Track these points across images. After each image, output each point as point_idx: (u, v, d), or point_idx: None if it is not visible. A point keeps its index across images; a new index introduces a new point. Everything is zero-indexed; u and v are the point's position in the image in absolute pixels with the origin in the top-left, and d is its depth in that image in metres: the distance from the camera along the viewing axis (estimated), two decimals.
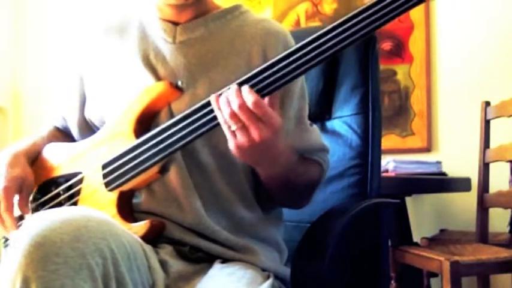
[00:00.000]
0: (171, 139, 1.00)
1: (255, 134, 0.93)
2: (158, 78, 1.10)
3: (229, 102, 0.94)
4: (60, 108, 1.29)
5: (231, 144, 0.95)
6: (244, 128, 0.93)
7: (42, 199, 1.14)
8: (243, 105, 0.92)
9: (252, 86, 0.94)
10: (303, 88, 1.17)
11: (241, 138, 0.93)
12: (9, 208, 1.09)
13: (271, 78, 0.94)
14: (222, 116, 0.94)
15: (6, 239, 1.20)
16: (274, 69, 0.94)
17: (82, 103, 1.22)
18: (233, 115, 0.93)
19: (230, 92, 0.94)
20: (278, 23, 1.21)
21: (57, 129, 1.29)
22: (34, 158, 1.19)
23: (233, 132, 0.94)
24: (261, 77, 0.95)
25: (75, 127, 1.24)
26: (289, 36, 1.15)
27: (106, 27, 1.22)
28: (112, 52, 1.18)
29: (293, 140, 1.11)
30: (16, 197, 1.11)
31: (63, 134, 1.27)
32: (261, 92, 0.94)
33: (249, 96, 0.92)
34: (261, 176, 1.08)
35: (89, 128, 1.21)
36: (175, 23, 1.14)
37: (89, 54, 1.21)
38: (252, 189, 1.13)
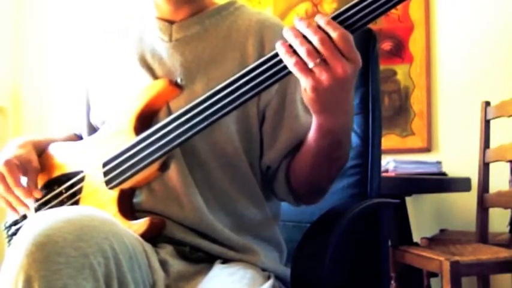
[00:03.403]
0: (171, 135, 1.00)
1: (338, 68, 0.84)
2: (155, 77, 1.10)
3: (305, 37, 0.85)
4: (71, 117, 1.31)
5: (307, 85, 0.86)
6: (324, 63, 0.84)
7: (45, 198, 1.14)
8: (324, 39, 0.83)
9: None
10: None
11: (321, 74, 0.84)
12: (17, 183, 1.08)
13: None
14: (296, 57, 0.85)
15: (10, 226, 1.19)
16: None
17: (88, 111, 1.23)
18: (311, 51, 0.84)
19: (304, 28, 0.85)
20: (273, 15, 1.20)
21: (76, 135, 1.30)
22: (41, 152, 1.19)
23: (310, 71, 0.85)
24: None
25: (85, 134, 1.25)
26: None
27: (107, 31, 1.23)
28: (113, 56, 1.19)
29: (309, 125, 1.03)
30: (24, 179, 1.11)
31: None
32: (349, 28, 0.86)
33: (335, 28, 0.84)
34: (318, 130, 0.97)
35: None
36: (171, 22, 1.14)
37: (93, 62, 1.23)
38: (259, 185, 1.13)
